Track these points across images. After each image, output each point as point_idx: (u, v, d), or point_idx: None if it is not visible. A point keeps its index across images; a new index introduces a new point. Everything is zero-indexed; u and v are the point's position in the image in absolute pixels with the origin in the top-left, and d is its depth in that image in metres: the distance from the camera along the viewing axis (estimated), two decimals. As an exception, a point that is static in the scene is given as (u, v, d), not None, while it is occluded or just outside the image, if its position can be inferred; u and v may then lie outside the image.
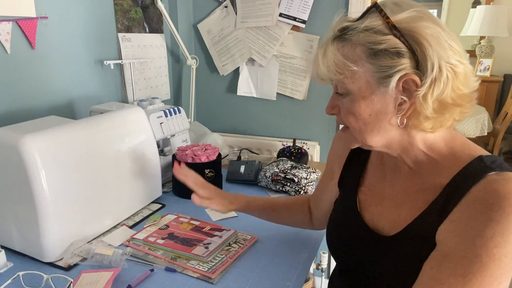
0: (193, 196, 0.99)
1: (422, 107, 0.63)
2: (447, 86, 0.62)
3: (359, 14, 0.67)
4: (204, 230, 1.10)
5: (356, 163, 0.86)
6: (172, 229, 1.11)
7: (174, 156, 1.36)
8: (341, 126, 1.94)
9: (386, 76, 0.62)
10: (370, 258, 0.74)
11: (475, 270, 0.57)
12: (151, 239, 1.05)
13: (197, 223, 1.14)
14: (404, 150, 0.71)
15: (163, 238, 1.05)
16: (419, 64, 0.61)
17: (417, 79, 0.62)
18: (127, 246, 1.03)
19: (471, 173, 0.64)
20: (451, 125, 0.67)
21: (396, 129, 0.68)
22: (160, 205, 1.28)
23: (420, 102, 0.63)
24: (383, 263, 0.71)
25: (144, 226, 1.13)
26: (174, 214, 1.20)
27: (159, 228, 1.11)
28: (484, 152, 0.67)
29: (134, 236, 1.07)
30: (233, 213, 1.23)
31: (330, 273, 0.99)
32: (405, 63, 0.61)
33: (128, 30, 1.64)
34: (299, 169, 1.39)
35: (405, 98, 0.64)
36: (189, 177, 1.02)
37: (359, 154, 0.86)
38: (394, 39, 0.61)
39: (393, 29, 0.61)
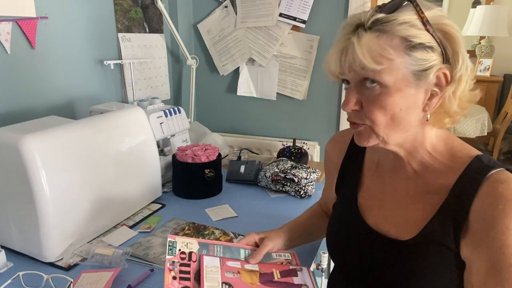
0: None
1: (450, 102, 0.65)
2: (467, 83, 0.65)
3: (357, 12, 0.68)
4: (276, 279, 0.85)
5: (351, 168, 0.86)
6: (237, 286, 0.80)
7: (174, 156, 1.36)
8: (340, 127, 1.94)
9: (422, 69, 0.63)
10: (381, 263, 0.73)
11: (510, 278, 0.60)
12: None
13: (256, 268, 0.86)
14: (413, 150, 0.71)
15: None
16: (447, 60, 0.64)
17: (449, 74, 0.64)
18: None
19: (473, 174, 0.65)
20: (458, 120, 0.70)
21: (416, 127, 0.68)
22: (160, 205, 1.28)
23: (450, 97, 0.65)
24: (395, 268, 0.70)
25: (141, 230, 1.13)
26: (217, 256, 0.85)
27: None
28: (478, 151, 0.70)
29: None
30: (233, 213, 1.23)
31: (329, 274, 0.99)
32: (436, 58, 0.63)
33: (128, 30, 1.64)
34: (299, 169, 1.39)
35: (437, 91, 0.65)
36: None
37: (353, 159, 0.86)
38: (428, 34, 0.62)
39: (427, 24, 0.62)
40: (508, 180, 0.63)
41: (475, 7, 3.95)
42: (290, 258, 0.93)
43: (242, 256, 0.88)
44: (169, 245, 0.82)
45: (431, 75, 0.63)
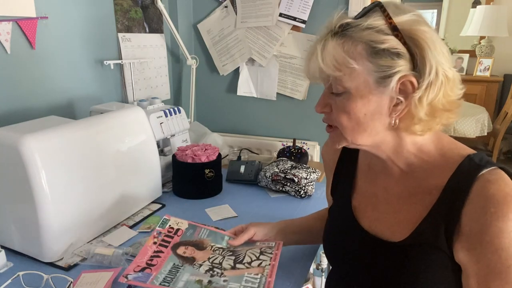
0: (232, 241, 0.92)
1: (416, 109, 0.64)
2: (440, 90, 0.64)
3: (356, 12, 0.68)
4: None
5: (346, 171, 0.86)
6: None
7: (174, 156, 1.36)
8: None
9: (385, 76, 0.63)
10: (374, 265, 0.73)
11: (510, 280, 0.60)
12: None
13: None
14: (394, 152, 0.71)
15: None
16: (416, 67, 0.62)
17: (415, 81, 0.63)
18: None
19: (465, 174, 0.65)
20: (438, 129, 0.68)
21: (386, 131, 0.68)
22: (160, 205, 1.28)
23: (416, 104, 0.64)
24: (388, 269, 0.70)
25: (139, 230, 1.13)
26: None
27: None
28: (470, 150, 0.69)
29: None
30: (233, 213, 1.23)
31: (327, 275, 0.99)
32: (403, 65, 0.62)
33: (128, 30, 1.64)
34: (299, 169, 1.39)
35: (401, 99, 0.64)
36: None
37: (347, 161, 0.86)
38: (395, 40, 0.62)
39: (395, 30, 0.62)
40: (499, 180, 0.62)
41: (475, 7, 3.96)
42: (273, 245, 0.93)
43: (224, 243, 0.93)
44: (162, 221, 0.93)
45: (393, 82, 0.62)
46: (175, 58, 1.96)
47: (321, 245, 1.12)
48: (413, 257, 0.68)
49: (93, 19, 1.47)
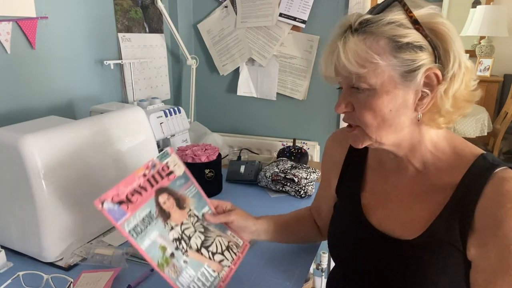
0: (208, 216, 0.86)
1: (442, 101, 0.64)
2: (463, 81, 0.65)
3: (356, 12, 0.67)
4: None
5: (353, 168, 0.85)
6: None
7: (174, 156, 1.36)
8: (341, 126, 1.93)
9: (410, 70, 0.62)
10: (386, 263, 0.72)
11: None
12: None
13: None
14: (412, 150, 0.71)
15: None
16: (439, 59, 0.63)
17: (439, 73, 0.63)
18: None
19: (479, 172, 0.65)
20: (455, 121, 0.69)
21: (410, 126, 0.68)
22: (160, 205, 1.28)
23: (442, 96, 0.64)
24: (400, 267, 0.70)
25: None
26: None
27: None
28: (481, 150, 0.70)
29: None
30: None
31: (329, 274, 0.98)
32: (426, 58, 0.62)
33: (128, 30, 1.64)
34: (299, 169, 1.39)
35: (427, 91, 0.64)
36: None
37: (355, 158, 0.85)
38: (417, 33, 0.62)
39: (416, 23, 0.62)
40: None
41: (475, 7, 3.95)
42: (240, 244, 0.89)
43: (201, 213, 0.86)
44: (163, 153, 0.83)
45: (419, 75, 0.62)
46: (175, 58, 1.96)
47: (321, 245, 1.12)
48: (425, 255, 0.67)
49: (93, 19, 1.47)
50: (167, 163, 0.84)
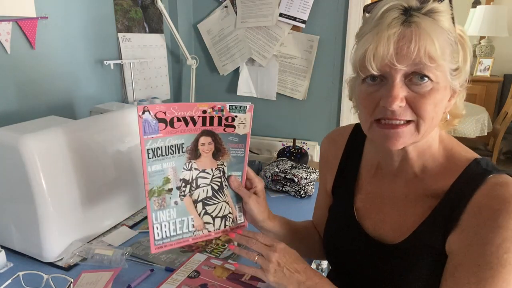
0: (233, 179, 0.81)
1: (461, 101, 0.66)
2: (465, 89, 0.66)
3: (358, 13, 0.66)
4: (243, 278, 0.87)
5: (349, 169, 0.83)
6: (204, 277, 0.88)
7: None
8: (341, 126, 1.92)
9: (456, 68, 0.61)
10: (373, 267, 0.72)
11: (487, 277, 0.58)
12: None
13: (232, 268, 0.90)
14: (421, 153, 0.69)
15: None
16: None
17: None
18: None
19: (471, 177, 0.64)
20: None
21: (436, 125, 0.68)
22: (160, 205, 1.28)
23: (462, 96, 0.65)
24: (386, 272, 0.70)
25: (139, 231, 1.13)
26: (205, 254, 0.97)
27: (188, 277, 0.87)
28: (476, 154, 0.68)
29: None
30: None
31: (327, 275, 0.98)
32: (461, 58, 0.62)
33: (128, 30, 1.64)
34: (299, 169, 1.39)
35: (459, 90, 0.64)
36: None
37: (351, 159, 0.83)
38: (456, 31, 0.61)
39: (454, 22, 0.60)
40: (509, 183, 0.61)
41: (475, 7, 3.96)
42: (238, 222, 0.84)
43: (235, 173, 0.81)
44: (241, 107, 0.77)
45: (464, 74, 0.62)
46: (175, 58, 1.96)
47: (321, 246, 1.12)
48: (408, 259, 0.67)
49: (93, 19, 1.47)
50: (236, 116, 0.77)
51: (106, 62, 1.51)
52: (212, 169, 0.79)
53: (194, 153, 0.76)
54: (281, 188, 1.38)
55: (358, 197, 0.80)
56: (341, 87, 1.84)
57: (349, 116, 1.87)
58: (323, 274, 2.02)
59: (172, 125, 0.72)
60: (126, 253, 0.96)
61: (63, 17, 1.35)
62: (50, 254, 0.95)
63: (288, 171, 1.37)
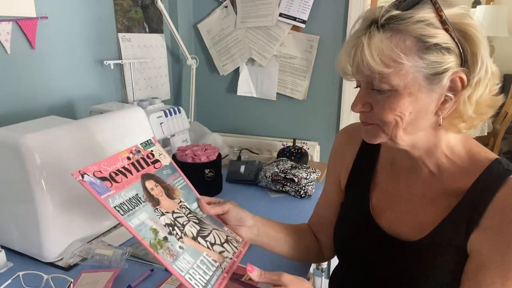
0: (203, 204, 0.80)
1: (465, 107, 0.61)
2: (487, 86, 0.62)
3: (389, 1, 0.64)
4: (243, 279, 0.80)
5: (364, 166, 0.82)
6: None
7: (174, 156, 1.36)
8: (340, 127, 1.93)
9: (436, 73, 0.59)
10: (390, 264, 0.72)
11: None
12: None
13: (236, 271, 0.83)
14: (428, 152, 0.69)
15: None
16: (465, 63, 0.60)
17: (465, 78, 0.60)
18: None
19: (493, 177, 0.64)
20: (476, 127, 0.67)
21: (428, 130, 0.66)
22: (160, 205, 1.28)
23: (465, 102, 0.61)
24: (405, 268, 0.69)
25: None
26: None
27: None
28: (495, 155, 0.68)
29: None
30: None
31: (331, 272, 0.97)
32: (453, 61, 0.59)
33: (128, 30, 1.64)
34: (299, 169, 1.39)
35: (451, 96, 0.61)
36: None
37: (367, 156, 0.82)
38: (446, 34, 0.58)
39: (445, 23, 0.58)
40: None
41: (475, 7, 3.96)
42: (240, 241, 0.81)
43: (193, 206, 0.80)
44: (147, 142, 0.80)
45: (445, 79, 0.59)
46: (175, 58, 1.96)
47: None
48: (428, 256, 0.67)
49: (93, 19, 1.47)
50: (151, 151, 0.79)
51: (106, 62, 1.51)
52: (178, 208, 0.75)
53: (153, 199, 0.73)
54: (281, 188, 1.38)
55: (374, 194, 0.79)
56: (341, 87, 1.84)
57: (349, 116, 1.87)
58: (323, 274, 2.01)
59: (114, 181, 0.69)
60: (126, 253, 0.96)
61: (63, 17, 1.35)
62: (50, 254, 0.95)
63: (288, 171, 1.37)
